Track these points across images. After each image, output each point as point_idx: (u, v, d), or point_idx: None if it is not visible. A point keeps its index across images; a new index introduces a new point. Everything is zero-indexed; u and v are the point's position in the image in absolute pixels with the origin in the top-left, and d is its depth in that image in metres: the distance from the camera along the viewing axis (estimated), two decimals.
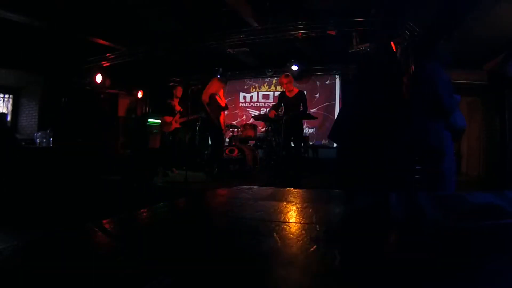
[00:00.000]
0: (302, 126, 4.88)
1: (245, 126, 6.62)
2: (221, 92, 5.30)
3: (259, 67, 8.35)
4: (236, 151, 5.46)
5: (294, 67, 7.43)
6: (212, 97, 5.04)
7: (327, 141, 7.77)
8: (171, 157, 5.91)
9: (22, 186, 3.78)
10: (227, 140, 7.19)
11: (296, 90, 4.85)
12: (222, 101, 5.22)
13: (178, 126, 5.71)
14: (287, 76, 4.91)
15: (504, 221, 1.02)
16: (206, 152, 5.68)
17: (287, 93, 4.85)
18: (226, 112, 8.30)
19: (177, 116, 5.73)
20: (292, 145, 4.73)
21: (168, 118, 5.81)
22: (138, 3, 5.20)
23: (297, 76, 7.79)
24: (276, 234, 0.91)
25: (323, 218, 1.16)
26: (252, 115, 8.30)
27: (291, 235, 0.92)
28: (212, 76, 8.54)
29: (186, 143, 6.13)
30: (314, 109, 7.96)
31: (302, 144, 5.21)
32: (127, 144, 7.23)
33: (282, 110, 4.87)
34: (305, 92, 5.43)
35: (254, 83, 8.87)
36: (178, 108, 5.75)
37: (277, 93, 8.61)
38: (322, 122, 7.90)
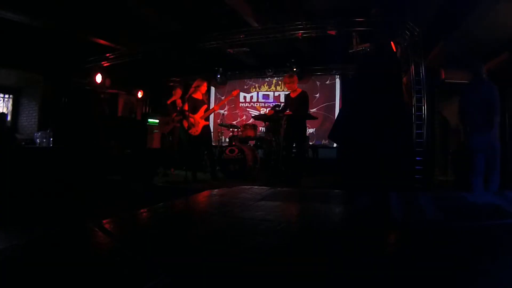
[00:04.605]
0: (304, 127, 4.84)
1: (245, 126, 6.61)
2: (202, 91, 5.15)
3: (259, 67, 8.34)
4: (236, 151, 5.45)
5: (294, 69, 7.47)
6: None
7: (327, 141, 7.76)
8: (171, 157, 5.91)
9: (22, 186, 3.77)
10: (227, 140, 7.19)
11: (299, 91, 4.80)
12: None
13: (177, 125, 5.67)
14: (290, 76, 4.88)
15: (504, 221, 1.02)
16: (206, 152, 5.67)
17: (291, 94, 4.84)
18: (226, 112, 8.36)
19: (174, 115, 5.69)
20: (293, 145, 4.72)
21: (165, 119, 5.82)
22: (138, 3, 5.19)
23: (297, 76, 7.79)
24: (276, 234, 0.91)
25: (323, 218, 1.16)
26: (252, 115, 8.30)
27: (291, 235, 0.92)
28: (212, 76, 8.60)
29: (186, 143, 6.12)
30: (314, 109, 7.95)
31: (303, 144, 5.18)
32: (127, 144, 7.22)
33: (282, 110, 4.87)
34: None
35: (254, 83, 8.87)
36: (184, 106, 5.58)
37: (277, 93, 8.63)
38: (322, 122, 7.89)
